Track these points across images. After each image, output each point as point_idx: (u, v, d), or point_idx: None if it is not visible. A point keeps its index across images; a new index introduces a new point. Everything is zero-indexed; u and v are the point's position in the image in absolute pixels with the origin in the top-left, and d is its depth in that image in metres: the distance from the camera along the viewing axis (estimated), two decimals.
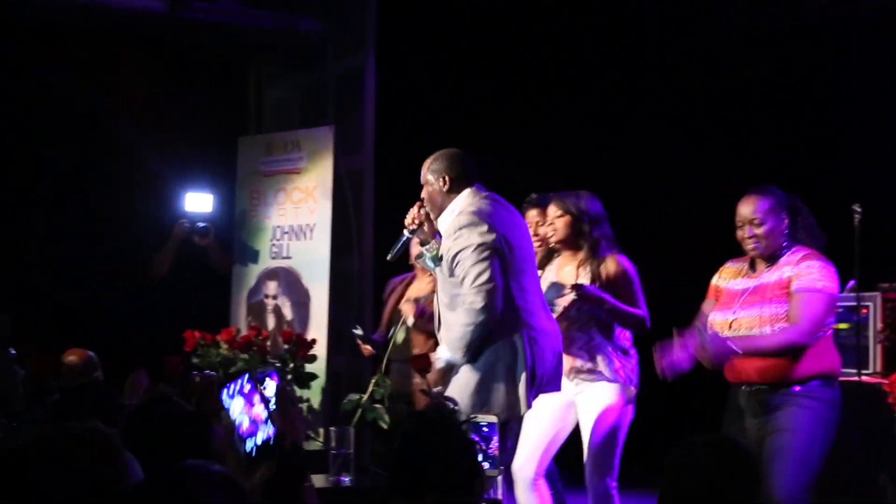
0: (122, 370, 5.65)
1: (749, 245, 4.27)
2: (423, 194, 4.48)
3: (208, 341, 6.33)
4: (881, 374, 5.27)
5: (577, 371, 4.81)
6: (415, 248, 4.80)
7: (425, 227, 4.46)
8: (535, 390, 4.29)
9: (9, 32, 6.83)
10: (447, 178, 4.40)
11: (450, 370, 4.35)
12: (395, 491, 2.68)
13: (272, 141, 7.17)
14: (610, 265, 4.84)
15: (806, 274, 4.14)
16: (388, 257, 4.64)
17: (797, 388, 4.14)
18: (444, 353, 4.37)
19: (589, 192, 5.01)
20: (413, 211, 4.49)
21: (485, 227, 4.23)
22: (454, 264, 4.25)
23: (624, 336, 4.89)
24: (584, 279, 4.81)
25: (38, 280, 6.92)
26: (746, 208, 4.25)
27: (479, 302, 4.16)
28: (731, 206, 4.33)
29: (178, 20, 6.86)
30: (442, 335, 4.42)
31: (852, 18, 6.86)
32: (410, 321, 5.37)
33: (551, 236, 4.97)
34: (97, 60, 7.39)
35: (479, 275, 4.17)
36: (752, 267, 4.33)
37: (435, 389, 4.38)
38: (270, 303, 6.91)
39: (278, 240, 6.95)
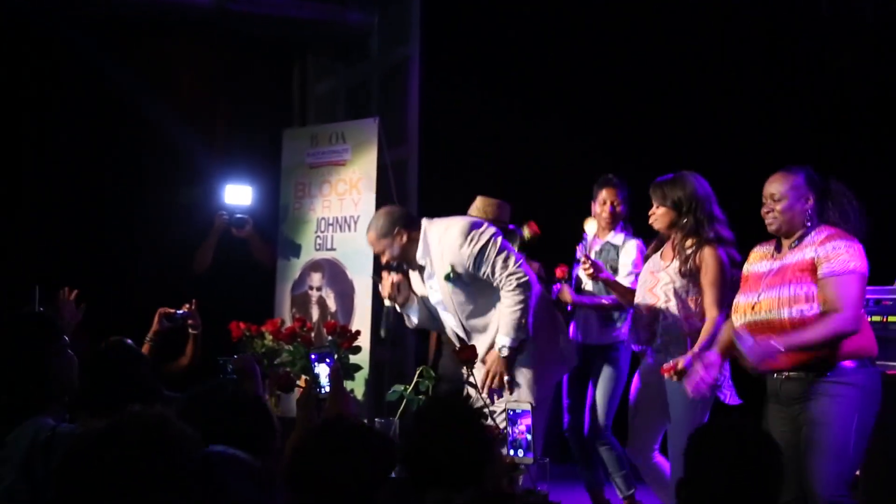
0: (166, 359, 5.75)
1: (767, 221, 4.16)
2: (388, 257, 4.88)
3: (253, 332, 6.36)
4: None
5: None
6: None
7: (402, 290, 4.93)
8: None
9: (58, 26, 6.89)
10: (403, 233, 4.82)
11: (516, 354, 4.76)
12: (407, 474, 2.71)
13: (317, 133, 7.19)
14: (700, 257, 4.81)
15: (834, 256, 3.97)
16: (382, 334, 5.18)
17: (829, 374, 3.97)
18: (504, 340, 4.75)
19: (692, 173, 4.98)
20: (385, 284, 4.94)
21: (483, 224, 4.82)
22: (477, 267, 4.72)
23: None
24: (675, 264, 4.88)
25: (83, 271, 6.97)
26: (770, 185, 4.17)
27: (518, 278, 4.72)
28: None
29: (225, 12, 6.89)
30: (477, 340, 4.85)
31: None
32: None
33: (653, 223, 5.03)
34: (144, 52, 7.45)
35: (506, 259, 4.73)
36: (779, 248, 4.21)
37: (506, 378, 4.75)
38: (315, 294, 6.93)
39: (323, 231, 6.96)
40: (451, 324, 4.99)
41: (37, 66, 7.12)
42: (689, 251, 4.84)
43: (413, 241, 4.85)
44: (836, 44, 7.11)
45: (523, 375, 4.80)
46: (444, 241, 4.78)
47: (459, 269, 4.75)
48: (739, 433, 2.75)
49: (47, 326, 3.42)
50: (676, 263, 4.88)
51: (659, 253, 5.05)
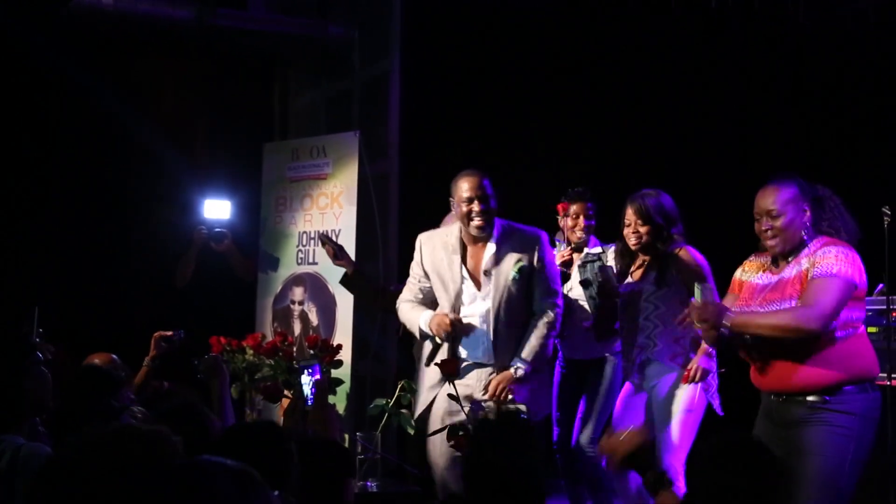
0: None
1: (766, 239, 3.95)
2: (485, 207, 4.85)
3: (234, 347, 6.33)
4: None
5: None
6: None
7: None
8: None
9: (36, 42, 6.87)
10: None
11: (523, 381, 4.81)
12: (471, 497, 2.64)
13: (298, 147, 7.19)
14: (680, 258, 4.89)
15: (821, 261, 3.78)
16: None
17: (828, 398, 3.75)
18: (522, 363, 4.81)
19: (661, 190, 5.03)
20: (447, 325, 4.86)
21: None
22: (539, 273, 4.87)
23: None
24: (652, 276, 4.94)
25: (65, 285, 6.95)
26: (764, 200, 3.94)
27: (559, 314, 4.90)
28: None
29: (205, 27, 6.88)
30: (503, 342, 4.84)
31: (888, 21, 6.83)
32: None
33: (634, 243, 5.01)
34: (124, 68, 7.42)
35: (559, 290, 4.97)
36: (775, 262, 4.01)
37: (510, 396, 4.76)
38: (296, 308, 6.91)
39: (304, 245, 6.96)
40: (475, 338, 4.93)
41: (16, 83, 7.09)
42: (664, 262, 4.90)
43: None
44: (813, 50, 7.17)
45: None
46: (521, 237, 4.92)
47: (524, 263, 4.85)
48: (745, 449, 2.71)
49: (20, 344, 3.40)
50: (653, 274, 4.92)
51: (630, 273, 5.08)
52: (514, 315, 4.85)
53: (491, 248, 4.88)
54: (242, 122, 7.79)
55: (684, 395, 4.79)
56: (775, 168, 4.17)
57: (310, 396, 3.62)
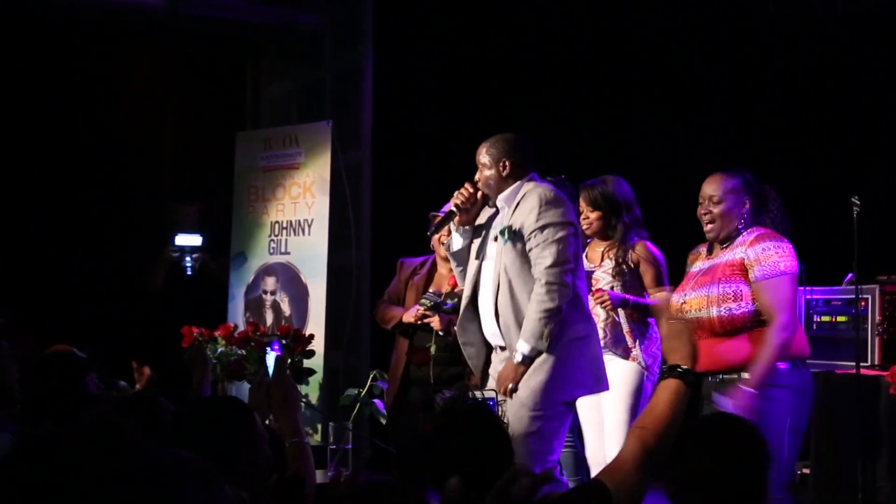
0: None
1: (704, 222, 4.17)
2: (479, 177, 4.48)
3: (206, 337, 6.32)
4: (880, 366, 5.26)
5: None
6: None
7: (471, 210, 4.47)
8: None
9: (4, 26, 6.80)
10: (507, 164, 4.43)
11: (530, 364, 4.25)
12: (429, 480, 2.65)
13: (270, 136, 7.15)
14: (638, 251, 4.95)
15: (765, 259, 4.00)
16: (429, 233, 4.70)
17: None
18: (522, 347, 4.26)
19: (614, 176, 5.06)
20: (467, 189, 4.47)
21: (568, 208, 4.36)
22: (532, 236, 4.27)
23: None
24: (608, 264, 4.97)
25: (39, 278, 6.91)
26: (709, 185, 4.18)
27: (557, 281, 4.20)
28: None
29: (176, 15, 6.84)
30: (506, 325, 4.34)
31: (857, 12, 6.87)
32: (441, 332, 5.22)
33: (586, 229, 5.04)
34: (93, 55, 7.37)
35: (559, 253, 4.23)
36: (710, 250, 4.26)
37: (510, 385, 4.24)
38: (269, 298, 6.89)
39: (277, 235, 6.93)
40: (488, 318, 4.47)
41: None
42: (621, 251, 4.95)
43: (506, 180, 4.44)
44: (784, 43, 7.20)
45: (527, 381, 4.28)
46: (527, 197, 4.38)
47: (516, 228, 4.31)
48: (729, 427, 2.72)
49: None
50: (609, 264, 4.96)
51: (584, 255, 5.07)
52: (518, 290, 4.32)
53: (500, 213, 4.50)
54: (215, 111, 7.76)
55: (632, 384, 4.85)
56: (747, 159, 4.25)
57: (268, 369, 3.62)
